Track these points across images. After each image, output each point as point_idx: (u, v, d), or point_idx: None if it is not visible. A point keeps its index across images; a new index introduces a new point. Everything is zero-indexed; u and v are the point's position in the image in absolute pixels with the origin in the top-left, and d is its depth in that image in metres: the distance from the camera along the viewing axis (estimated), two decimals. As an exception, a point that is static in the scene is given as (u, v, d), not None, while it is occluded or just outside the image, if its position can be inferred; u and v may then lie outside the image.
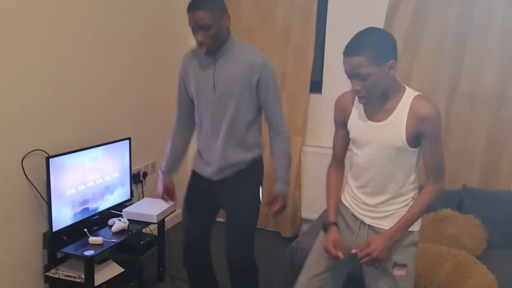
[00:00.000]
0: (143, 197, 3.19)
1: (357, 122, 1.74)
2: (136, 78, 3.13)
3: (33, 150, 2.31)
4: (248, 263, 2.18)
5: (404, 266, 1.69)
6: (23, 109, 2.25)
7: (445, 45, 3.05)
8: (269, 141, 2.13)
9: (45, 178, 2.37)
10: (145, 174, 3.25)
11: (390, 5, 3.12)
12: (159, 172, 2.25)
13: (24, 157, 2.27)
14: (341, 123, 1.82)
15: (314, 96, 3.52)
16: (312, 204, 3.57)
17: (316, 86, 3.51)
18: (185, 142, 2.24)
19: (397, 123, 1.64)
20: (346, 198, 1.85)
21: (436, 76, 3.11)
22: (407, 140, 1.63)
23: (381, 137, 1.67)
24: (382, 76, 1.59)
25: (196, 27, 1.87)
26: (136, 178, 3.14)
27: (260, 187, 2.18)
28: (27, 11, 2.22)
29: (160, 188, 2.23)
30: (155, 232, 2.88)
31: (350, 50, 1.60)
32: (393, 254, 1.69)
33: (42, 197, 2.38)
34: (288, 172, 2.14)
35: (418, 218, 1.70)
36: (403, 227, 1.67)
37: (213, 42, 1.91)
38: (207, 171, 2.11)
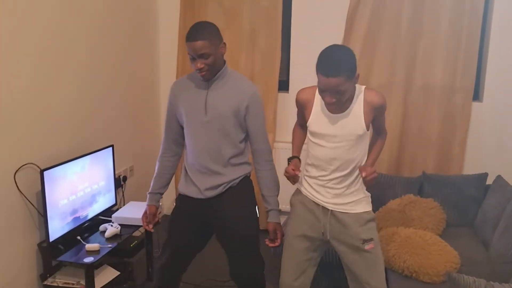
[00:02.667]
0: (124, 201, 3.28)
1: (319, 118, 1.99)
2: (117, 85, 3.22)
3: (25, 164, 2.36)
4: (260, 281, 2.23)
5: (370, 240, 2.00)
6: (13, 124, 2.29)
7: (400, 45, 3.35)
8: (256, 168, 2.18)
9: (36, 190, 2.43)
10: (125, 178, 3.34)
11: (350, 9, 3.35)
12: (147, 194, 2.29)
13: (16, 171, 2.31)
14: (300, 109, 2.11)
15: (282, 95, 3.71)
16: (285, 197, 3.76)
17: (283, 85, 3.71)
18: (173, 164, 2.28)
19: (356, 113, 1.93)
20: (307, 189, 2.10)
21: (393, 72, 3.40)
22: (366, 126, 1.94)
23: (343, 127, 1.94)
24: (351, 88, 1.87)
25: (196, 56, 1.97)
26: (117, 183, 3.22)
27: (255, 203, 2.24)
28: (13, 26, 2.25)
29: (143, 213, 2.28)
30: (142, 234, 2.99)
31: (331, 71, 1.78)
32: (359, 233, 1.99)
33: (36, 209, 2.43)
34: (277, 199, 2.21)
35: (378, 156, 2.14)
36: (374, 161, 2.11)
37: (211, 69, 2.02)
38: (198, 190, 2.14)
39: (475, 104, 3.35)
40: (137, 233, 2.86)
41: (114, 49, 3.17)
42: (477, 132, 3.38)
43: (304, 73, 3.60)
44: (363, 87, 1.96)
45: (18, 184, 2.33)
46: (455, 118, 3.36)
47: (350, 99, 1.92)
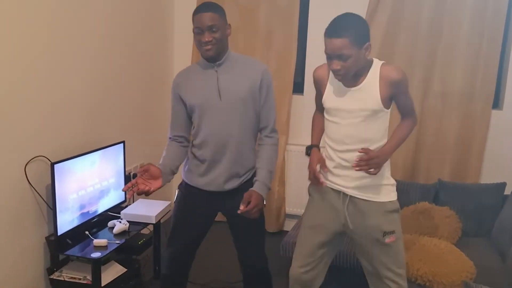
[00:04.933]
0: (134, 198, 3.26)
1: (333, 92, 1.91)
2: (130, 81, 3.21)
3: (36, 157, 2.35)
4: (267, 268, 2.26)
5: (392, 232, 1.89)
6: (25, 116, 2.28)
7: (418, 48, 3.28)
8: (259, 144, 2.12)
9: (46, 183, 2.41)
10: (135, 175, 3.31)
11: (368, 11, 3.31)
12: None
13: (27, 163, 2.30)
14: (318, 89, 2.03)
15: (296, 97, 3.67)
16: (296, 200, 3.74)
17: (298, 87, 3.67)
18: (179, 157, 2.15)
19: (371, 87, 1.83)
20: (324, 175, 1.99)
21: (411, 77, 3.32)
22: (382, 102, 1.83)
23: (358, 101, 1.85)
24: (360, 58, 1.77)
25: (204, 28, 1.92)
26: (127, 180, 3.19)
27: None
28: (25, 19, 2.25)
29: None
30: (150, 231, 2.96)
31: (335, 31, 1.74)
32: (380, 224, 1.88)
33: (45, 202, 2.42)
34: (271, 176, 2.09)
35: (403, 142, 1.92)
36: (394, 147, 1.89)
37: (218, 44, 1.96)
38: (215, 183, 2.07)
39: (494, 112, 3.27)
40: (145, 231, 2.83)
41: (127, 45, 3.15)
42: (496, 141, 3.29)
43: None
44: (381, 62, 1.86)
45: (28, 176, 2.31)
46: (474, 125, 3.28)
47: (364, 72, 1.83)
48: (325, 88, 1.94)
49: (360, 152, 1.79)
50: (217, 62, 2.03)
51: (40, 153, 2.38)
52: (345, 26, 1.73)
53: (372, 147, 1.85)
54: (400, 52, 3.32)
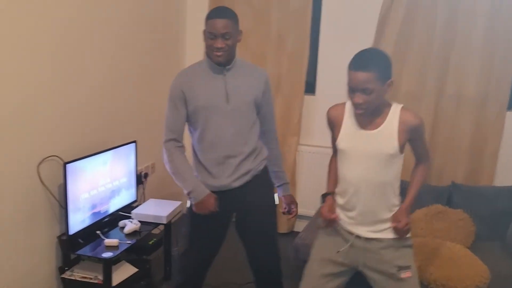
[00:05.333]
0: (144, 198, 3.26)
1: (349, 133, 1.86)
2: (143, 81, 3.21)
3: (49, 156, 2.36)
4: (280, 267, 2.28)
5: (408, 267, 1.84)
6: (38, 116, 2.29)
7: (433, 50, 3.24)
8: (266, 146, 2.24)
9: (58, 183, 2.42)
10: (146, 175, 3.32)
11: (382, 12, 3.27)
12: (192, 191, 2.07)
13: (40, 163, 2.31)
14: (332, 129, 1.98)
15: (307, 97, 3.65)
16: (306, 201, 3.71)
17: (309, 87, 3.64)
18: (185, 155, 2.17)
19: (389, 131, 1.79)
20: (339, 215, 1.94)
21: (425, 79, 3.29)
22: (399, 147, 1.79)
23: (374, 145, 1.81)
24: (382, 94, 1.75)
25: (218, 34, 1.94)
26: (138, 179, 3.20)
27: (274, 191, 2.28)
28: (38, 20, 2.25)
29: (210, 202, 2.07)
30: (161, 231, 2.96)
31: (361, 65, 1.71)
32: (395, 259, 1.84)
33: (58, 201, 2.43)
34: None
35: (419, 190, 1.92)
36: (413, 201, 1.89)
37: (229, 51, 2.00)
38: (224, 181, 2.10)
39: (509, 114, 3.22)
40: (156, 231, 2.83)
41: (139, 45, 3.16)
42: (510, 143, 3.24)
43: (331, 76, 3.54)
44: (400, 105, 1.83)
45: (41, 176, 2.32)
46: (488, 128, 3.23)
47: (381, 114, 1.81)
48: (338, 129, 1.89)
49: (392, 226, 1.82)
50: (227, 67, 2.06)
51: (53, 153, 2.38)
52: (372, 60, 1.72)
53: (386, 190, 1.84)
54: (414, 54, 3.29)
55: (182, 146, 2.15)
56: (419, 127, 1.81)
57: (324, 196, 2.00)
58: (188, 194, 2.09)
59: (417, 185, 1.92)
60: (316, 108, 3.64)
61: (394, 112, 1.80)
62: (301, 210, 3.73)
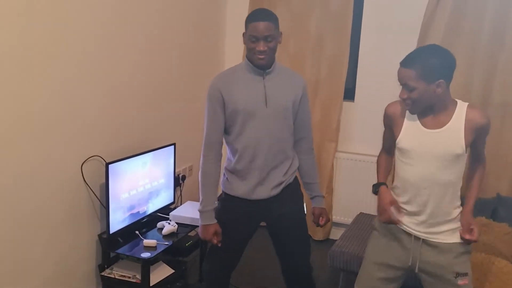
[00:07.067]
0: (181, 199, 3.30)
1: (411, 132, 1.82)
2: (181, 83, 3.26)
3: (92, 156, 2.42)
4: (312, 276, 2.29)
5: (465, 274, 1.80)
6: (82, 118, 2.36)
7: (478, 57, 3.14)
8: (299, 158, 2.21)
9: (100, 183, 2.48)
10: (183, 177, 3.36)
11: (425, 17, 3.20)
12: (202, 212, 2.08)
13: (83, 163, 2.37)
14: (388, 127, 1.95)
15: (346, 104, 3.60)
16: (343, 208, 3.67)
17: (348, 93, 3.60)
18: (219, 170, 2.12)
19: (455, 130, 1.75)
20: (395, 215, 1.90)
21: (470, 87, 3.19)
22: (466, 147, 1.75)
23: (439, 145, 1.76)
24: (428, 92, 1.71)
25: (260, 37, 1.93)
26: (176, 181, 3.24)
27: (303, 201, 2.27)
28: (79, 20, 2.32)
29: (209, 232, 2.07)
30: (197, 234, 2.98)
31: (404, 62, 1.73)
32: (453, 265, 1.80)
33: (99, 200, 2.49)
34: None
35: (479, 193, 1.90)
36: (475, 200, 1.86)
37: (271, 54, 1.99)
38: (263, 191, 2.08)
39: (560, 125, 3.08)
40: (192, 233, 2.85)
41: (179, 49, 3.20)
42: (561, 155, 3.09)
43: (372, 82, 3.49)
44: (466, 103, 1.79)
45: (84, 175, 2.38)
46: (536, 139, 3.10)
47: (445, 113, 1.76)
48: (399, 126, 1.85)
49: (465, 239, 1.78)
50: (267, 70, 2.04)
51: (96, 153, 2.45)
52: (417, 59, 1.71)
53: (448, 191, 1.80)
54: (458, 61, 3.13)
55: (219, 160, 2.10)
56: (486, 126, 1.76)
57: (376, 186, 1.92)
58: (199, 211, 2.10)
59: (477, 187, 1.88)
60: (354, 115, 3.59)
61: (460, 110, 1.76)
62: (338, 218, 3.74)
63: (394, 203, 1.86)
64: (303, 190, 2.25)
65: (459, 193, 1.85)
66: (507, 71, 3.10)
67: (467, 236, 1.77)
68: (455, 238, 1.82)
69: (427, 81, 1.69)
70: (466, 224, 1.80)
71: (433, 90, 1.71)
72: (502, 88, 3.14)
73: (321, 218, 2.24)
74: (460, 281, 1.78)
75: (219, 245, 2.08)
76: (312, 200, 2.27)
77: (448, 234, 1.82)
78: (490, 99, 3.18)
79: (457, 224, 1.83)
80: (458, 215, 1.84)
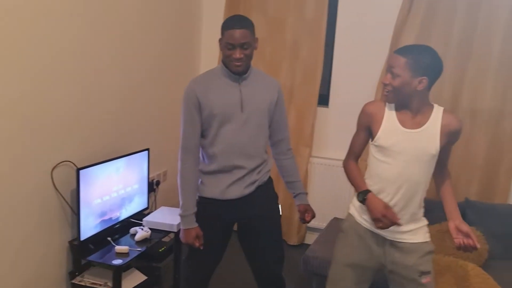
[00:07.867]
0: (156, 205, 3.28)
1: (390, 130, 1.88)
2: (156, 89, 3.24)
3: (62, 161, 2.39)
4: (282, 272, 2.31)
5: (428, 273, 1.88)
6: (52, 122, 2.32)
7: (448, 63, 3.21)
8: (279, 158, 2.28)
9: (71, 188, 2.45)
10: (158, 183, 3.34)
11: (397, 22, 3.26)
12: (183, 216, 2.10)
13: (53, 168, 2.34)
14: (364, 127, 1.98)
15: (321, 109, 3.64)
16: (318, 213, 3.64)
17: (323, 99, 3.64)
18: (198, 174, 2.14)
19: (432, 131, 1.83)
20: (362, 216, 1.97)
21: (439, 92, 3.26)
22: (440, 148, 1.83)
23: (417, 144, 1.83)
24: (409, 85, 1.78)
25: (236, 44, 1.94)
26: (150, 187, 3.22)
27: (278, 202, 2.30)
28: (51, 24, 2.29)
29: (191, 236, 2.08)
30: (171, 239, 2.97)
31: (400, 49, 1.82)
32: (419, 265, 1.86)
33: (70, 207, 2.45)
34: None
35: None
36: (458, 211, 1.93)
37: (247, 60, 2.02)
38: (236, 190, 2.10)
39: (525, 131, 3.18)
40: (166, 239, 2.84)
41: (154, 52, 3.19)
42: (527, 160, 3.19)
43: (346, 88, 3.53)
44: (442, 108, 1.87)
45: (54, 181, 2.35)
46: (503, 143, 3.18)
47: (423, 114, 1.84)
48: (379, 124, 1.90)
49: (468, 243, 1.85)
50: (243, 76, 2.07)
51: (67, 158, 2.41)
52: (410, 49, 1.80)
53: (419, 190, 1.87)
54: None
55: (198, 164, 2.12)
56: (459, 132, 1.86)
57: (363, 194, 1.91)
58: (180, 216, 2.11)
59: (455, 202, 1.95)
60: (329, 121, 3.64)
61: (437, 113, 1.85)
62: (312, 223, 3.70)
63: (388, 207, 1.86)
64: (282, 190, 2.29)
65: (425, 195, 1.92)
66: (475, 78, 3.19)
67: (476, 244, 1.83)
68: (419, 238, 1.89)
69: (413, 74, 1.76)
70: (464, 233, 1.85)
71: (415, 84, 1.78)
72: (470, 94, 3.22)
73: (306, 214, 2.28)
74: (423, 280, 1.87)
75: (201, 248, 2.09)
76: (295, 198, 2.31)
77: (412, 234, 1.89)
78: (459, 104, 3.26)
79: (421, 224, 1.92)
80: (422, 215, 1.93)
